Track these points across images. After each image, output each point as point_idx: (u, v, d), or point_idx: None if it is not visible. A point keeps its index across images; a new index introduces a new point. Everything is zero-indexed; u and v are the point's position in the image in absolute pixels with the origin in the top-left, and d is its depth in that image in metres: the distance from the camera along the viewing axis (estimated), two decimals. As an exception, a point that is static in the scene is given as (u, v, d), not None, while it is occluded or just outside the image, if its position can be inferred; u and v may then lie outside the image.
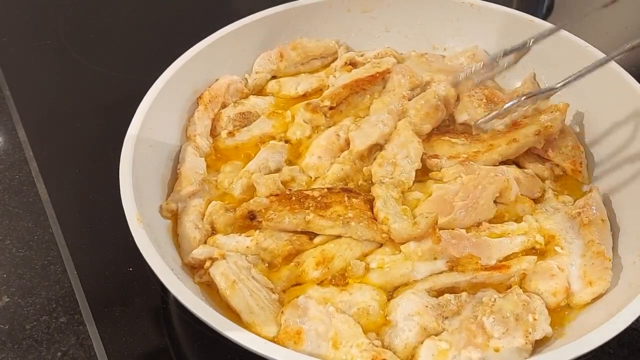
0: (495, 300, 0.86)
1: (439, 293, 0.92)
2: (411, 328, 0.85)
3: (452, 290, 0.92)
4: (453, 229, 0.97)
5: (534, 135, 1.09)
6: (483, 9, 1.32)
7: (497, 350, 0.82)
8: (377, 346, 0.83)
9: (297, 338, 0.83)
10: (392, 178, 1.06)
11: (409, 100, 1.20)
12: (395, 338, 0.85)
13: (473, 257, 0.94)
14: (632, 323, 0.79)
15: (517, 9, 1.30)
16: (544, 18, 1.56)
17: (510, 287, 0.92)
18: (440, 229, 0.96)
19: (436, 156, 1.11)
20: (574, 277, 0.93)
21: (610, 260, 0.94)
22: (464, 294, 0.90)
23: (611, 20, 1.66)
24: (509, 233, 0.99)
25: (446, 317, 0.87)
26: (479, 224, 1.00)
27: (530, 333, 0.83)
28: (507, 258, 0.96)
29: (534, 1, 1.73)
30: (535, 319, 0.84)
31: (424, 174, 1.10)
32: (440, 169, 1.08)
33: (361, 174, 1.10)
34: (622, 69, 1.12)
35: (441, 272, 0.94)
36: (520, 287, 0.92)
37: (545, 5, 1.71)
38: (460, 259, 0.94)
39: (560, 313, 0.92)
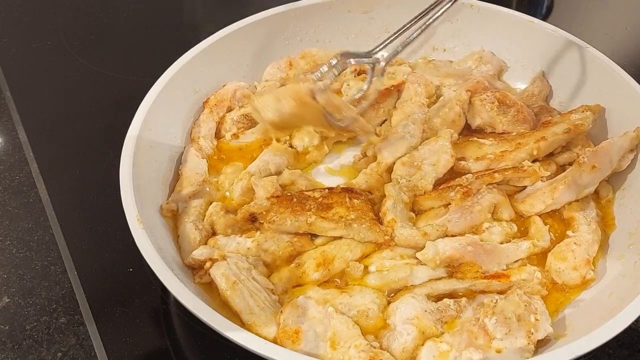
0: (496, 301, 0.86)
1: (438, 298, 0.91)
2: (409, 332, 0.85)
3: (451, 295, 0.92)
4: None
5: (564, 133, 1.07)
6: (483, 9, 1.32)
7: (499, 351, 0.82)
8: (375, 347, 0.83)
9: (295, 337, 0.83)
10: (409, 181, 1.04)
11: (428, 107, 1.19)
12: (393, 342, 0.85)
13: (474, 265, 0.94)
14: (632, 323, 0.79)
15: (517, 9, 1.30)
16: (544, 18, 1.56)
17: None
18: None
19: (463, 158, 1.08)
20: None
21: None
22: (463, 299, 0.90)
23: (611, 21, 1.66)
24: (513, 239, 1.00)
25: (445, 322, 0.87)
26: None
27: (532, 333, 0.83)
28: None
29: (533, 1, 1.73)
30: (537, 319, 0.84)
31: (451, 177, 1.07)
32: (468, 170, 1.07)
33: (383, 188, 1.05)
34: (622, 70, 1.12)
35: (440, 278, 0.94)
36: (539, 270, 0.94)
37: (545, 6, 1.71)
38: (461, 266, 0.94)
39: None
